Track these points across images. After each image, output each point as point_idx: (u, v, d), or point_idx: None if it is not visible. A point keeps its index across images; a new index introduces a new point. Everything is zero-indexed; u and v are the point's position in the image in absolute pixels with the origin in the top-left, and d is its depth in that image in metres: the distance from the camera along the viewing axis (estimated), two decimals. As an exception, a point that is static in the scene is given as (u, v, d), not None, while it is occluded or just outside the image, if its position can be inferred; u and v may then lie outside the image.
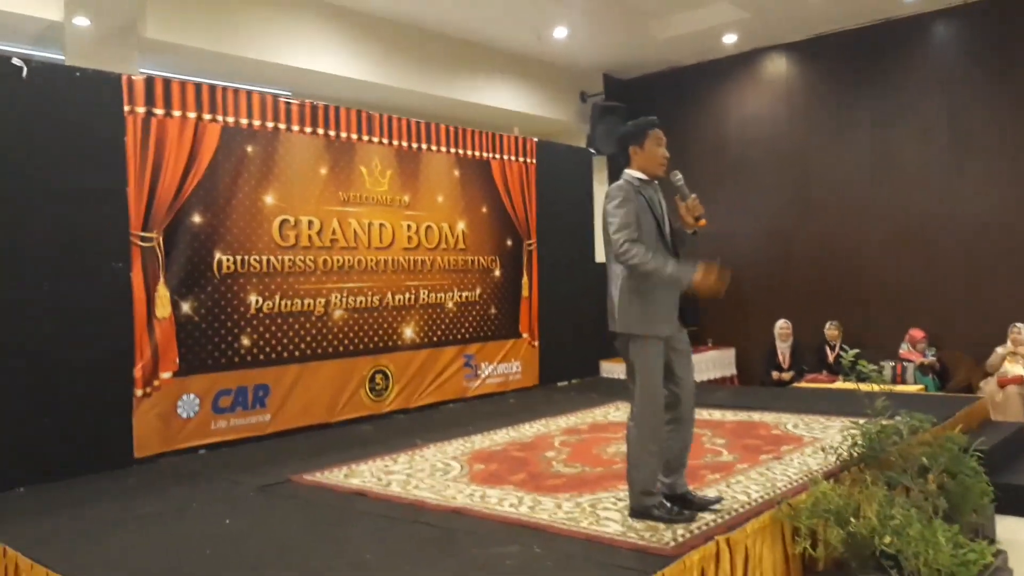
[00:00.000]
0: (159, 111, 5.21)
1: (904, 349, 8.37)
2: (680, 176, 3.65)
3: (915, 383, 7.89)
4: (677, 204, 3.65)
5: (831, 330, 8.81)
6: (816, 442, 4.90)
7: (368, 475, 4.50)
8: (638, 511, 3.53)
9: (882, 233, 9.16)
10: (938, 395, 7.41)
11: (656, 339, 3.50)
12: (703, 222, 3.60)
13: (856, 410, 4.29)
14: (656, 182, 3.67)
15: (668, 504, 3.52)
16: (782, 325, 8.99)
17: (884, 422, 4.14)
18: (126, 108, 5.07)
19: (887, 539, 3.38)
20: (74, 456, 4.69)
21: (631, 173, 3.64)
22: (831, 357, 8.56)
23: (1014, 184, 8.38)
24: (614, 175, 10.24)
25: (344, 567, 3.12)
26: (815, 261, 9.62)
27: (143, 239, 5.09)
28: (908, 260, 8.96)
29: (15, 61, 4.66)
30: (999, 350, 7.84)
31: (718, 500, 3.70)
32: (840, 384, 7.43)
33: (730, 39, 9.67)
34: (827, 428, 5.31)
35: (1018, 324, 7.82)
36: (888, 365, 7.89)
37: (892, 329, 8.63)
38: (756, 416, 5.87)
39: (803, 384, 8.09)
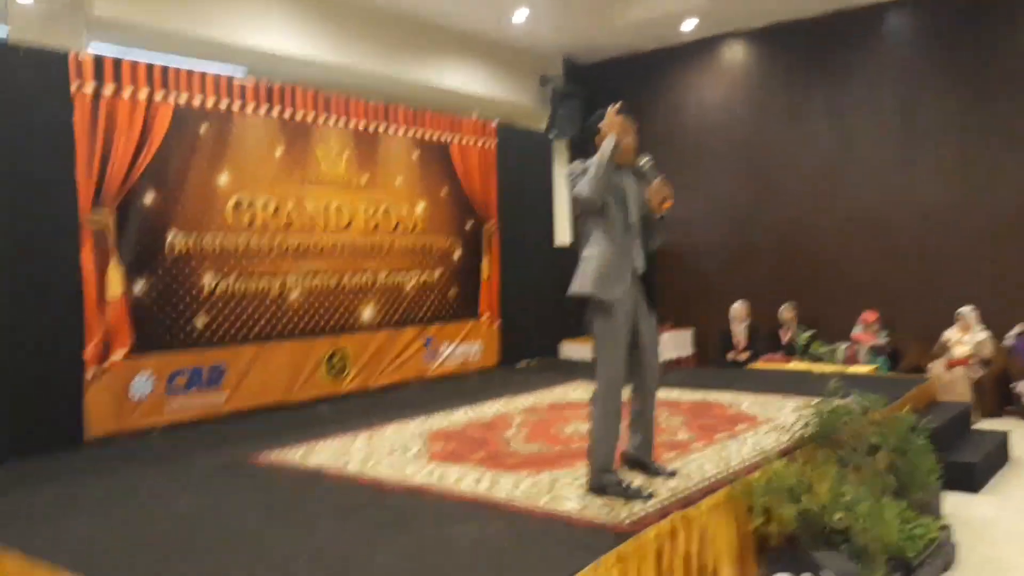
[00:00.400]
0: (108, 90, 5.10)
1: (857, 331, 8.54)
2: (648, 159, 3.74)
3: (867, 364, 8.05)
4: (646, 188, 3.71)
5: (786, 312, 8.94)
6: (770, 421, 4.97)
7: (326, 455, 4.47)
8: (595, 487, 3.58)
9: (837, 218, 9.31)
10: (889, 376, 7.57)
11: (613, 309, 3.54)
12: (668, 204, 3.66)
13: (810, 390, 4.37)
14: (627, 170, 3.73)
15: (625, 482, 3.57)
16: (737, 307, 9.10)
17: (836, 402, 4.23)
18: (73, 87, 4.96)
19: (837, 515, 3.46)
20: (24, 437, 4.61)
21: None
22: (785, 338, 8.68)
23: (963, 173, 8.57)
24: (575, 159, 10.25)
25: (301, 547, 3.09)
26: (772, 245, 9.75)
27: (93, 220, 4.99)
28: (862, 245, 9.13)
29: (-43, 36, 4.52)
30: (947, 333, 8.04)
31: (673, 474, 3.81)
32: (795, 365, 7.55)
33: (689, 25, 9.72)
34: (781, 408, 5.39)
35: (964, 309, 8.02)
36: (842, 347, 8.04)
37: (846, 312, 8.78)
38: (712, 396, 5.94)
39: (759, 365, 8.20)
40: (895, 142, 8.99)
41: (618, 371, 3.58)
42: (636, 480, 3.68)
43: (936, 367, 7.84)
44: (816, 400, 4.25)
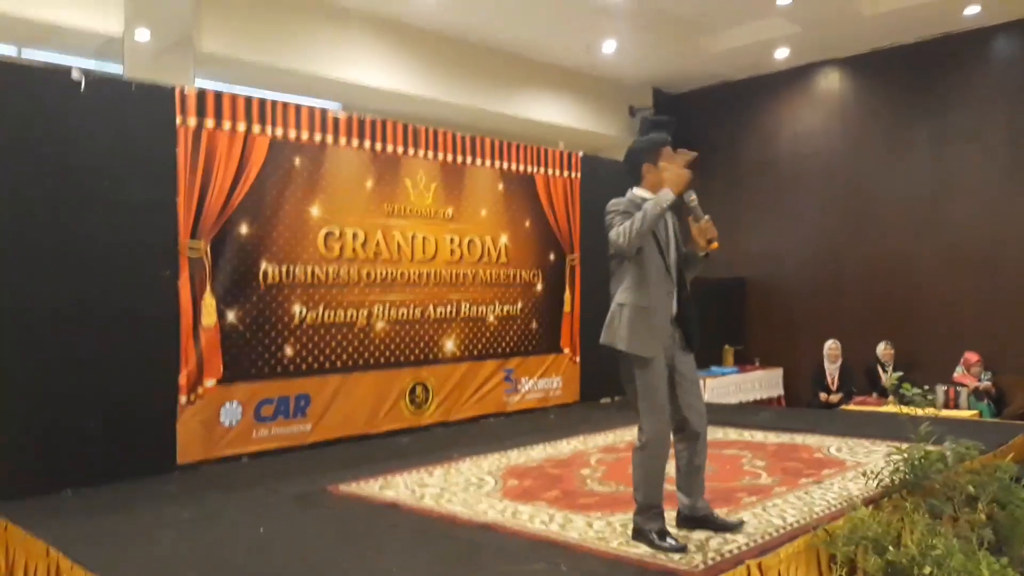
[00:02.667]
0: (210, 123, 5.32)
1: (958, 373, 8.14)
2: (694, 196, 3.52)
3: (969, 408, 7.66)
4: (690, 225, 3.55)
5: (886, 350, 8.60)
6: (859, 467, 4.78)
7: (403, 487, 4.52)
8: (636, 533, 3.47)
9: (938, 253, 8.93)
10: (992, 422, 7.18)
11: (652, 362, 3.42)
12: (715, 245, 3.50)
13: (902, 435, 4.17)
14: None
15: (666, 533, 3.39)
16: (831, 346, 8.81)
17: (928, 448, 4.03)
18: (178, 120, 5.19)
19: (927, 570, 3.29)
20: (120, 460, 4.78)
21: (638, 192, 3.52)
22: (884, 379, 8.34)
23: (1076, 204, 8.12)
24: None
25: (371, 579, 3.14)
26: (868, 281, 9.42)
27: (191, 248, 5.20)
28: (965, 281, 8.73)
29: (74, 74, 4.81)
30: (1059, 376, 7.59)
31: (740, 524, 3.59)
32: (889, 407, 7.24)
33: (782, 53, 9.57)
34: (871, 453, 5.18)
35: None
36: (941, 389, 7.68)
37: (947, 352, 8.40)
38: (799, 438, 5.75)
39: (851, 407, 7.91)
40: (1002, 172, 8.59)
41: (664, 420, 3.45)
42: (701, 534, 3.51)
43: (1046, 413, 7.40)
44: (906, 445, 4.06)
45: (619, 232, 3.33)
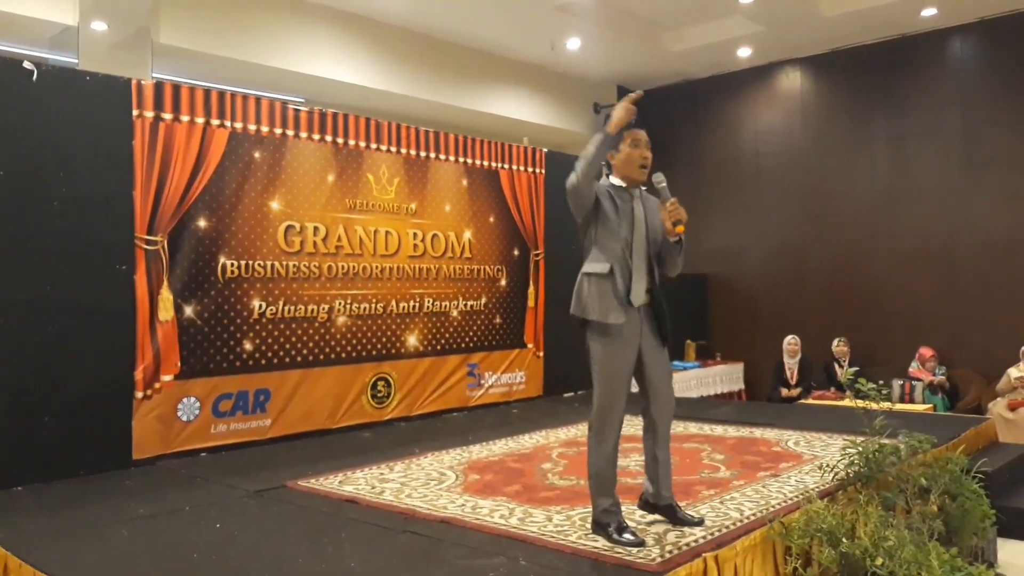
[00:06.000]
0: (167, 116, 5.24)
1: (914, 367, 8.29)
2: (662, 178, 3.51)
3: (924, 402, 7.80)
4: (660, 210, 3.54)
5: (840, 346, 8.74)
6: (816, 460, 4.85)
7: (363, 482, 4.50)
8: (595, 526, 3.47)
9: (895, 249, 9.10)
10: (946, 415, 7.33)
11: (614, 333, 3.39)
12: (681, 228, 3.45)
13: (860, 429, 4.24)
14: (638, 193, 3.55)
15: (624, 528, 3.38)
16: (790, 341, 8.93)
17: (883, 441, 4.10)
18: (135, 112, 5.10)
19: (879, 561, 3.34)
20: (73, 456, 4.71)
21: (609, 180, 3.54)
22: (840, 374, 8.48)
23: (1029, 203, 8.30)
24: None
25: (330, 573, 3.11)
26: (827, 277, 9.57)
27: (148, 242, 5.13)
28: (921, 277, 8.90)
29: (26, 64, 4.71)
30: (1011, 372, 7.75)
31: (700, 521, 3.60)
32: (847, 402, 7.35)
33: (744, 52, 9.67)
34: (828, 446, 5.26)
35: (1030, 345, 7.73)
36: (897, 383, 7.82)
37: (904, 347, 8.56)
38: (758, 432, 5.82)
39: (810, 401, 8.02)
40: (957, 170, 8.77)
41: (615, 400, 3.42)
42: (659, 527, 3.54)
43: (997, 407, 7.56)
44: (861, 439, 4.13)
45: (573, 173, 3.32)
